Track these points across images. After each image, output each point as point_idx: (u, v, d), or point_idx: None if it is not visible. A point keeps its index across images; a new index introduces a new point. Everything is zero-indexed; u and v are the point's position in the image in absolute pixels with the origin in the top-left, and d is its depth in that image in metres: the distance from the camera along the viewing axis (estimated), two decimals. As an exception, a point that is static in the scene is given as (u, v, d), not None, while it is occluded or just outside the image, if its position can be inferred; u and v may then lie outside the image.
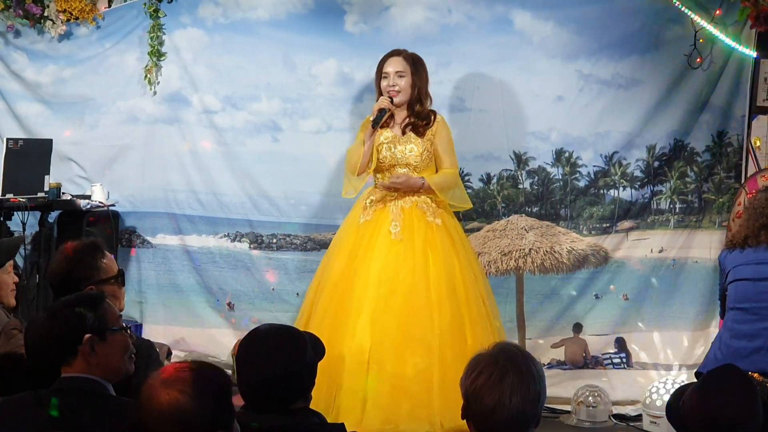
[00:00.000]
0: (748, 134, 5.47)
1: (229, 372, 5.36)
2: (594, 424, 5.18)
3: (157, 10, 5.80)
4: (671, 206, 5.61)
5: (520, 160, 5.61)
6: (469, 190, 5.57)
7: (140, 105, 5.92)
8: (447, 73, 5.57)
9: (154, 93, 5.87)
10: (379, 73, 4.88)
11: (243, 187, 5.86)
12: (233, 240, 5.93)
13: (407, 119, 4.87)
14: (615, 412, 5.32)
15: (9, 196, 5.34)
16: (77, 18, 5.81)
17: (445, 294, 4.63)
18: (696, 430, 2.72)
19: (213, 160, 5.88)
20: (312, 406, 2.92)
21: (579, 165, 5.59)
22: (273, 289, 5.86)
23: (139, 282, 5.99)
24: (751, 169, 5.42)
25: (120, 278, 3.64)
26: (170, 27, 5.84)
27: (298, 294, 5.66)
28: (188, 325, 5.94)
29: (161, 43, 5.83)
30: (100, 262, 3.58)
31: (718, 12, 5.32)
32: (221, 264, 5.93)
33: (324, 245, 5.42)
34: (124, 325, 2.94)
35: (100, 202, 5.74)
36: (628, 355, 5.58)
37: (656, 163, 5.56)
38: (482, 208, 5.66)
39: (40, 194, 5.51)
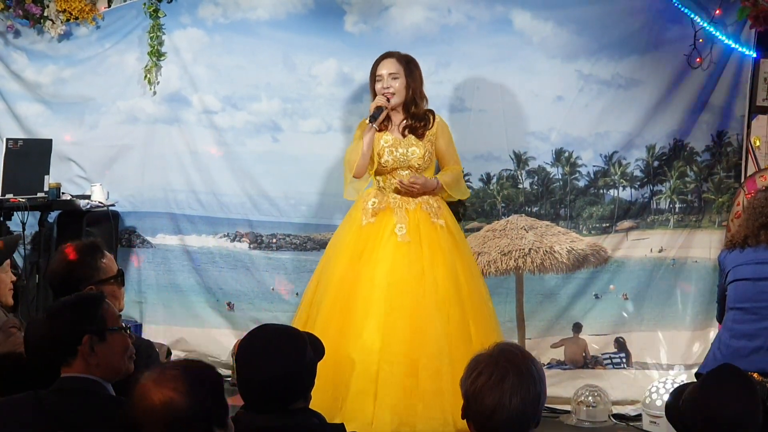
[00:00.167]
0: (748, 134, 5.47)
1: (229, 372, 5.41)
2: (594, 424, 5.19)
3: (156, 10, 5.80)
4: (671, 206, 5.61)
5: (519, 160, 5.60)
6: (469, 190, 5.59)
7: (140, 105, 5.93)
8: (447, 74, 5.58)
9: (154, 93, 5.87)
10: (373, 76, 4.89)
11: (243, 187, 5.86)
12: (233, 240, 5.93)
13: (404, 121, 4.88)
14: (615, 411, 5.32)
15: (9, 196, 5.34)
16: (77, 18, 5.82)
17: (452, 294, 4.66)
18: (696, 429, 2.73)
19: (213, 160, 5.88)
20: (319, 408, 2.93)
21: (579, 165, 5.59)
22: (272, 289, 5.86)
23: (139, 282, 5.99)
24: (751, 169, 5.42)
25: (119, 278, 3.64)
26: (170, 27, 5.84)
27: (297, 294, 5.66)
28: (188, 325, 5.94)
29: (161, 43, 5.83)
30: (100, 262, 3.58)
31: (717, 12, 5.32)
32: (221, 264, 5.93)
33: (323, 245, 5.41)
34: (123, 325, 2.94)
35: (99, 202, 5.74)
36: (628, 355, 5.58)
37: (656, 163, 5.56)
38: (482, 207, 5.66)
39: (39, 194, 5.51)
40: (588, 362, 5.59)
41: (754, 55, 5.37)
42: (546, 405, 3.10)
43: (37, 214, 5.63)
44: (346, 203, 5.11)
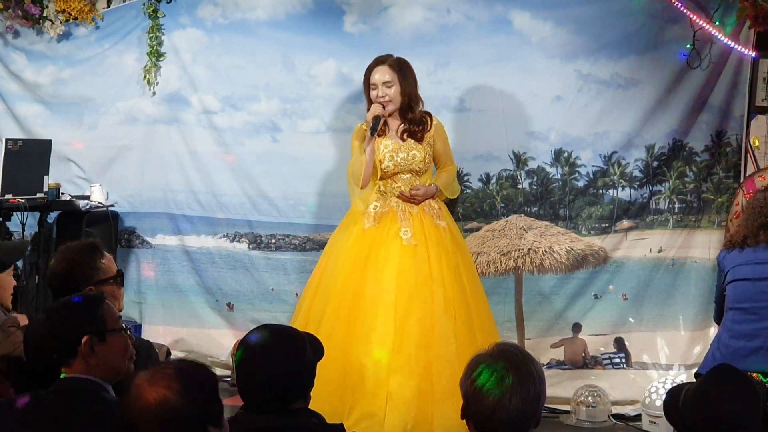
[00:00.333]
0: (747, 134, 5.47)
1: (229, 372, 5.40)
2: (593, 424, 5.19)
3: (156, 11, 5.80)
4: (670, 206, 5.61)
5: (519, 160, 5.61)
6: (468, 190, 5.60)
7: (139, 105, 5.93)
8: (446, 74, 5.58)
9: (153, 93, 5.87)
10: (367, 83, 4.88)
11: (242, 188, 5.86)
12: (232, 240, 5.93)
13: (402, 126, 4.88)
14: (614, 412, 5.32)
15: (8, 196, 5.34)
16: (76, 18, 5.82)
17: (458, 295, 4.68)
18: (696, 429, 2.72)
19: (212, 160, 5.88)
20: (327, 411, 2.92)
21: (578, 165, 5.59)
22: (272, 290, 5.86)
23: (138, 282, 5.99)
24: (750, 169, 5.42)
25: (119, 278, 3.64)
26: (169, 27, 5.84)
27: (297, 294, 5.66)
28: (187, 325, 5.95)
29: (160, 44, 5.83)
30: (99, 262, 3.58)
31: (716, 12, 5.32)
32: (220, 264, 5.93)
33: (323, 245, 5.40)
34: (124, 326, 2.94)
35: (99, 203, 5.74)
36: (628, 355, 5.58)
37: (655, 163, 5.56)
38: (481, 208, 5.66)
39: (39, 195, 5.51)
40: (587, 362, 5.59)
41: (753, 54, 5.37)
42: (546, 405, 3.10)
43: (37, 214, 5.63)
44: (345, 203, 5.11)
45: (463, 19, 5.58)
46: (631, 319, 5.58)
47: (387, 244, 4.73)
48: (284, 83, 5.78)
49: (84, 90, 5.96)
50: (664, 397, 4.87)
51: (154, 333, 5.75)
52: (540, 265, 5.59)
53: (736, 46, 5.35)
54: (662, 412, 4.14)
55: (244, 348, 2.79)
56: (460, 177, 5.53)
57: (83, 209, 5.67)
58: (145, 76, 5.83)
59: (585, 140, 5.57)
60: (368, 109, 4.85)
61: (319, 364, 2.87)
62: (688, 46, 5.36)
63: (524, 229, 5.62)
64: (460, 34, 5.58)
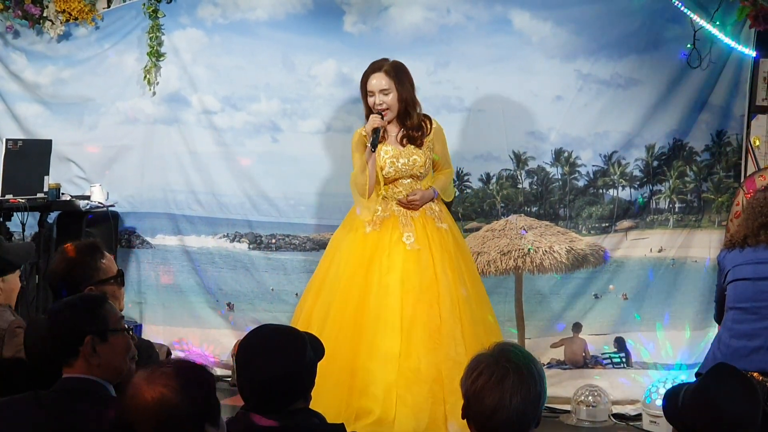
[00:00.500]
0: (748, 134, 5.46)
1: (229, 372, 5.40)
2: (594, 424, 5.19)
3: (156, 11, 5.80)
4: (670, 206, 5.61)
5: (519, 159, 5.61)
6: (469, 190, 5.60)
7: (139, 105, 5.93)
8: (446, 73, 5.58)
9: (153, 93, 5.87)
10: (364, 89, 4.86)
11: (242, 188, 5.86)
12: (232, 240, 5.93)
13: (401, 131, 4.88)
14: (615, 411, 5.33)
15: (8, 196, 5.34)
16: (76, 18, 5.82)
17: (462, 297, 4.69)
18: (696, 429, 2.72)
19: (212, 160, 5.88)
20: (333, 414, 2.92)
21: (578, 165, 5.59)
22: (272, 290, 5.86)
23: (139, 282, 5.99)
24: (751, 169, 5.42)
25: (119, 279, 3.64)
26: (169, 27, 5.84)
27: (297, 294, 5.65)
28: (188, 325, 5.95)
29: (160, 44, 5.83)
30: (100, 262, 3.58)
31: (717, 11, 5.32)
32: (220, 264, 5.94)
33: (323, 245, 5.41)
34: (126, 326, 2.94)
35: (99, 203, 5.75)
36: (628, 355, 5.58)
37: (655, 163, 5.55)
38: (481, 207, 5.66)
39: (39, 195, 5.51)
40: (588, 362, 5.59)
41: (754, 54, 5.37)
42: (546, 405, 3.10)
43: (37, 214, 5.63)
44: (345, 204, 5.11)
45: (463, 19, 5.58)
46: (630, 318, 5.58)
47: (390, 249, 4.73)
48: (284, 83, 5.79)
49: (84, 90, 5.97)
50: (663, 396, 4.90)
51: (154, 333, 5.76)
52: (540, 265, 5.59)
53: (736, 45, 5.35)
54: (662, 412, 4.15)
55: (244, 348, 2.79)
56: (461, 177, 5.55)
57: (83, 209, 5.67)
58: (145, 76, 5.83)
59: (585, 140, 5.57)
60: (366, 116, 4.85)
61: (324, 370, 2.87)
62: (688, 45, 5.36)
63: (524, 229, 5.62)
64: (460, 34, 5.58)
